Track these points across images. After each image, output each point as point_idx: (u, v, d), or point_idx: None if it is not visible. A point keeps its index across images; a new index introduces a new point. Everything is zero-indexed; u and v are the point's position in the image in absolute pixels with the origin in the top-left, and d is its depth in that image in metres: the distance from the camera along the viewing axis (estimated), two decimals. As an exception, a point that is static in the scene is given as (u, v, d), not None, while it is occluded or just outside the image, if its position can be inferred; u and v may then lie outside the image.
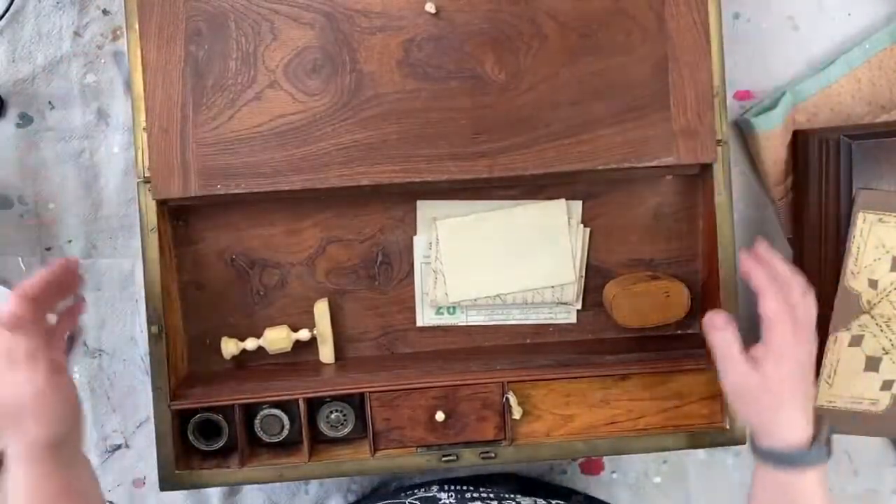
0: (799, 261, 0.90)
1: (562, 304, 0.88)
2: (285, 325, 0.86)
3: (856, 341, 0.85)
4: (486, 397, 0.82)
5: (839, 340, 0.84)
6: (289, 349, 0.86)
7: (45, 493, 0.66)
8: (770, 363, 0.70)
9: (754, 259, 0.74)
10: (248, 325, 0.87)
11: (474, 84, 0.79)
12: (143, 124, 0.79)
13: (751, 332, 0.93)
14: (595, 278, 0.88)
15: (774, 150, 0.89)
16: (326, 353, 0.86)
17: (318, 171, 0.79)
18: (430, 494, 0.83)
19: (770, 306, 0.70)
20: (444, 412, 0.82)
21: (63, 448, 0.67)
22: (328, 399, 0.84)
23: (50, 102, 0.88)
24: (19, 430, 0.66)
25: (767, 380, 0.70)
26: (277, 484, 0.94)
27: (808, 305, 0.71)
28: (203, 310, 0.87)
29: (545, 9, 0.79)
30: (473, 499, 0.81)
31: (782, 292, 0.71)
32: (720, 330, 0.73)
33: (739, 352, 0.71)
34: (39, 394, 0.66)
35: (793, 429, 0.70)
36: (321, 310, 0.85)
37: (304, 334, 0.86)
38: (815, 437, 0.70)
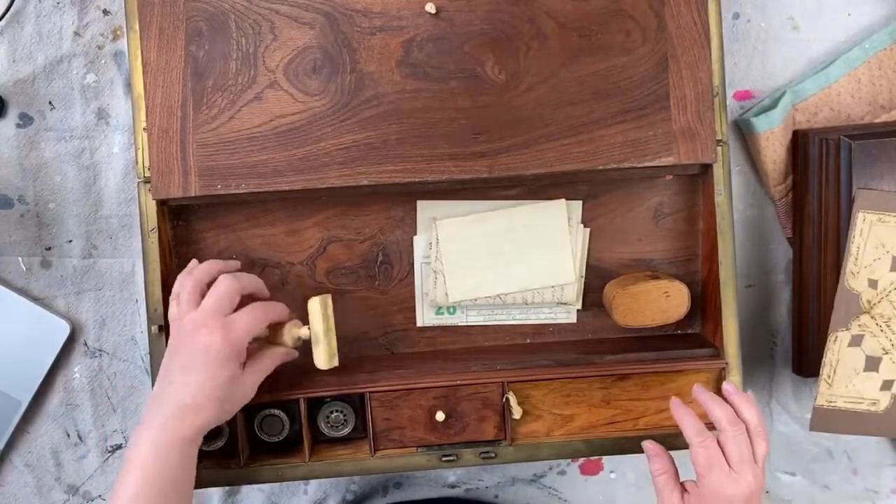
0: (799, 261, 0.90)
1: (562, 304, 0.88)
2: (285, 325, 0.86)
3: (856, 341, 0.84)
4: (486, 397, 0.82)
5: (839, 340, 0.84)
6: (289, 349, 0.86)
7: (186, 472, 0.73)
8: (695, 500, 0.75)
9: (680, 407, 0.77)
10: (248, 325, 0.87)
11: (474, 84, 0.79)
12: (143, 124, 0.79)
13: (752, 333, 0.93)
14: (595, 278, 0.88)
15: (774, 150, 0.89)
16: (320, 356, 0.80)
17: (318, 171, 0.79)
18: None
19: (698, 459, 0.74)
20: (444, 412, 0.82)
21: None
22: (328, 399, 0.84)
23: (50, 102, 0.88)
24: (202, 416, 0.72)
25: None
26: (277, 484, 0.94)
27: (739, 442, 0.74)
28: (203, 310, 0.87)
29: (545, 9, 0.79)
30: None
31: (710, 437, 0.74)
32: (652, 459, 0.78)
33: (672, 487, 0.77)
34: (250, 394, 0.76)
35: None
36: (314, 308, 0.80)
37: (304, 333, 0.85)
38: None
